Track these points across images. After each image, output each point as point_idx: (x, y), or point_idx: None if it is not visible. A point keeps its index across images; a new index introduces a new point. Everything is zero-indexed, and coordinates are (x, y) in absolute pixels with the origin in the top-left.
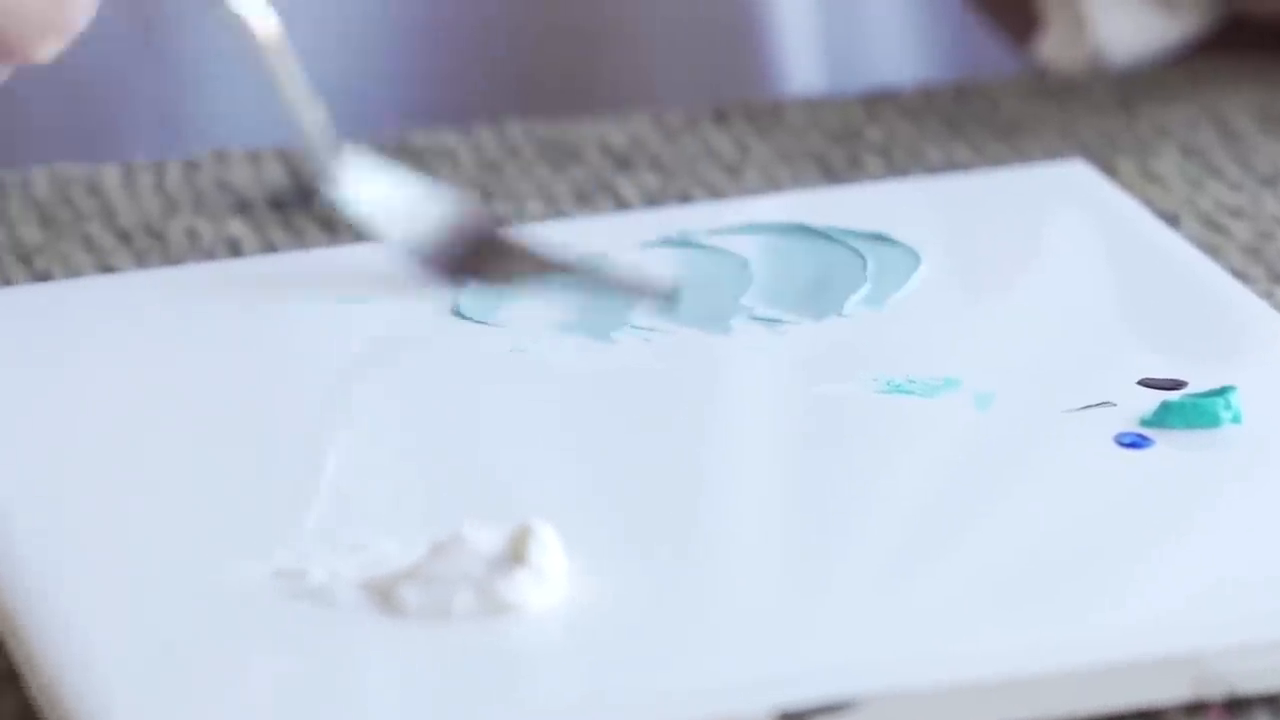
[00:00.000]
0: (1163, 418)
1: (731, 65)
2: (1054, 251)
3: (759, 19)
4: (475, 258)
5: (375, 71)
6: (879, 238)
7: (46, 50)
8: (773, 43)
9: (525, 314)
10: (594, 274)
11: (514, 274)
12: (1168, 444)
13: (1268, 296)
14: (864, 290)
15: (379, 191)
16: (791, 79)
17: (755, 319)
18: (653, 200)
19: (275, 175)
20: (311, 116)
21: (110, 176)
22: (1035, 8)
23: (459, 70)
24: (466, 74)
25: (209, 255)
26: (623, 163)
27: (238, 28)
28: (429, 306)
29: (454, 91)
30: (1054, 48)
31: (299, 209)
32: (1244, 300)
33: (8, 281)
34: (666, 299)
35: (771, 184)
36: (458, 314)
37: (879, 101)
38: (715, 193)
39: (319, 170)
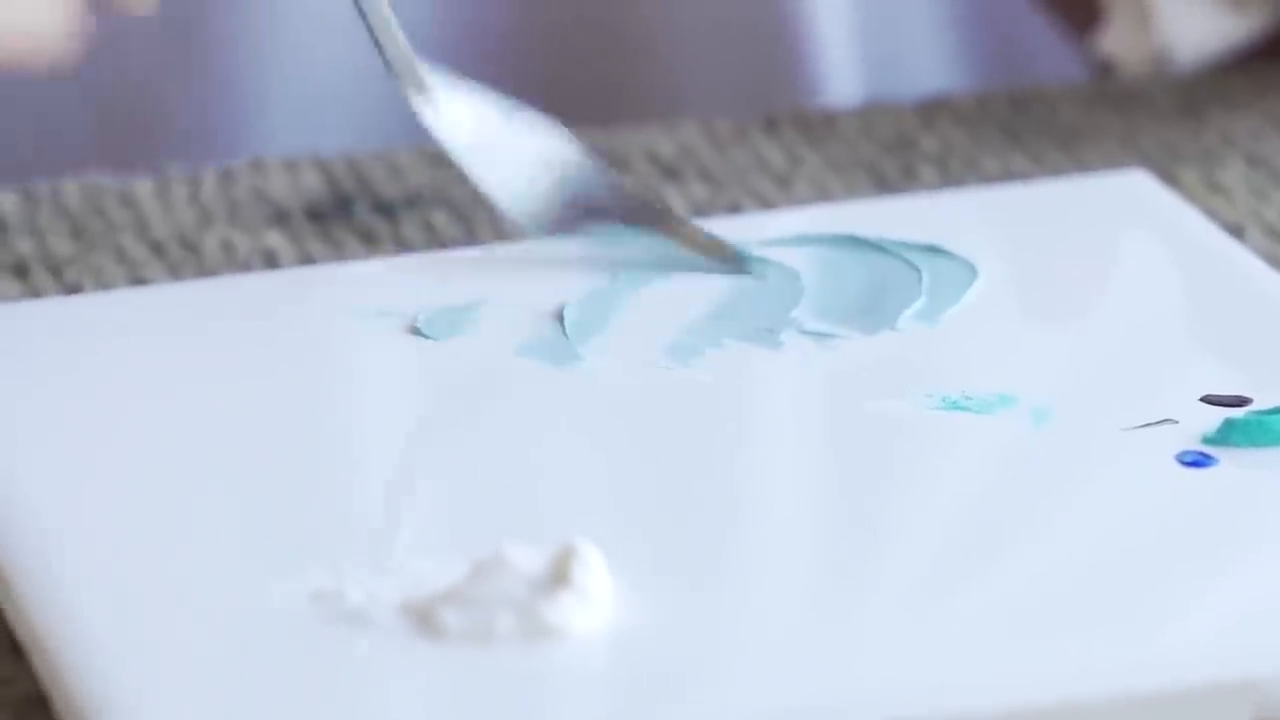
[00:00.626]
0: (1226, 435)
1: (770, 72)
2: (1114, 264)
3: (797, 25)
4: (584, 210)
5: None
6: (934, 250)
7: None
8: (811, 49)
9: (491, 333)
10: (677, 230)
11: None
12: (1231, 463)
13: None
14: (919, 304)
15: (472, 121)
16: (831, 86)
17: (805, 333)
18: (701, 211)
19: (313, 185)
20: (396, 37)
21: (143, 187)
22: None
23: (496, 78)
24: (504, 82)
25: (245, 267)
26: (670, 173)
27: None
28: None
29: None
30: (1116, 42)
31: (337, 220)
32: None
33: (38, 294)
34: (737, 263)
35: (823, 195)
36: (416, 332)
37: (933, 110)
38: (765, 203)
39: (410, 94)
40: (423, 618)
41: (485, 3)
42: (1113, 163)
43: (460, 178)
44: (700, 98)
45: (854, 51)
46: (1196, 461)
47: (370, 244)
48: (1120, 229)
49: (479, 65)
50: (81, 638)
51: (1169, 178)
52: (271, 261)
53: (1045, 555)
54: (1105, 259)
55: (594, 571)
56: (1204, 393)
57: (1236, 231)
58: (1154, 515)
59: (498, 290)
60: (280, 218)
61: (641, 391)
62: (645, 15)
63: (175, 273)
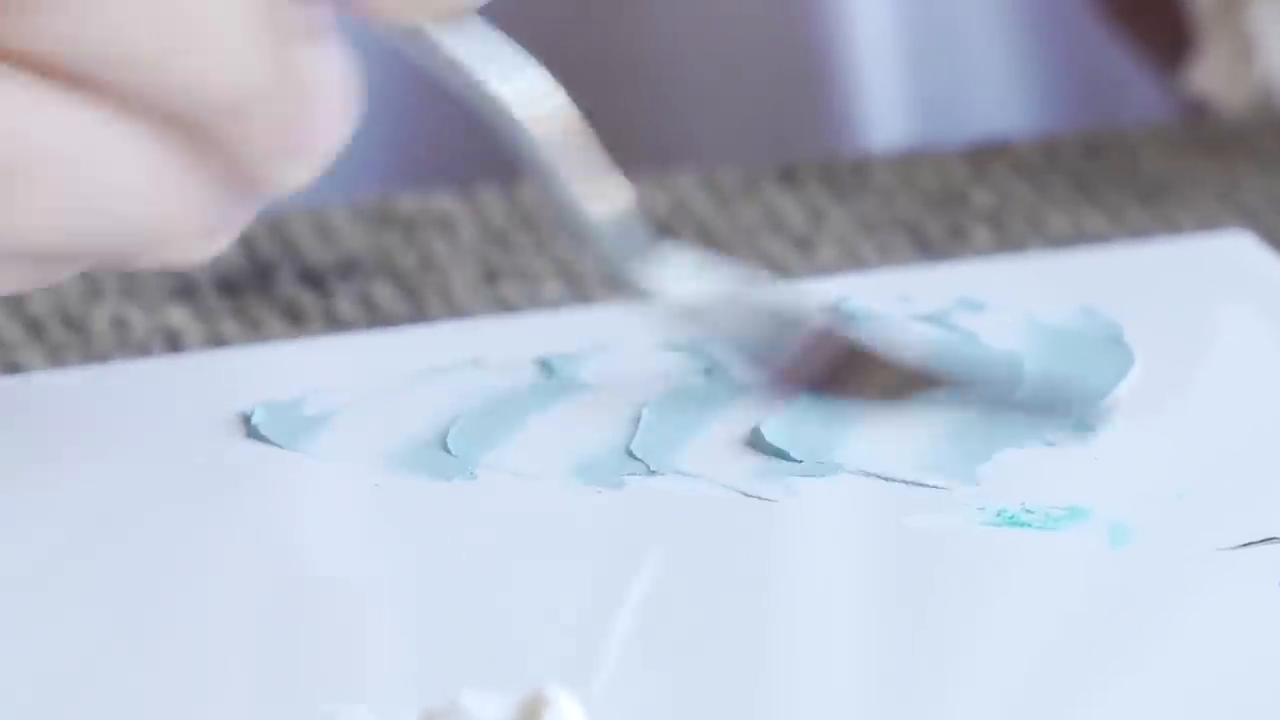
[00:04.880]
0: None
1: (787, 111)
2: (1208, 345)
3: (819, 54)
4: (831, 372)
5: (356, 121)
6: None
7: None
8: (838, 83)
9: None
10: (986, 390)
11: (880, 391)
12: None
13: None
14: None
15: (700, 289)
16: (863, 129)
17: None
18: None
19: (225, 250)
20: (607, 207)
21: None
22: (1188, 26)
23: (458, 120)
24: (467, 125)
25: (141, 351)
26: (664, 232)
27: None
28: (422, 419)
29: (452, 145)
30: (1211, 77)
31: (255, 293)
32: None
33: None
34: (1082, 421)
35: (852, 260)
36: (254, 435)
37: (988, 156)
38: (780, 270)
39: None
40: None
41: None
42: (1208, 221)
43: (405, 242)
44: (701, 141)
45: (890, 87)
46: None
47: (295, 322)
48: (1217, 301)
49: (426, 106)
50: None
51: (1276, 239)
52: (174, 343)
53: (1122, 706)
54: (1199, 339)
55: None
56: None
57: None
58: (1256, 656)
59: (456, 375)
60: (185, 291)
61: (632, 507)
62: (633, 43)
63: (56, 357)
